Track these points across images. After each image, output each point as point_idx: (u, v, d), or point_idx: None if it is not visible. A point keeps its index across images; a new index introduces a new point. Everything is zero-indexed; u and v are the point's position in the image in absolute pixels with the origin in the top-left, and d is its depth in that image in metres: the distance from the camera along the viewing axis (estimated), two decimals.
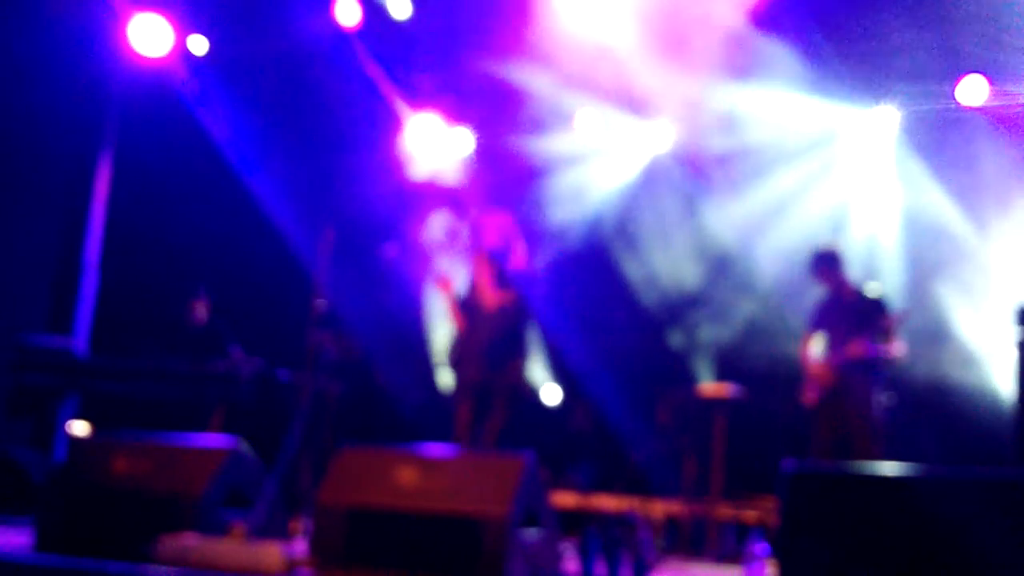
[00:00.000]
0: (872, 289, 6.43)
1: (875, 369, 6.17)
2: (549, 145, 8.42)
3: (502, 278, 5.94)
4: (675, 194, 8.37)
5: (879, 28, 7.10)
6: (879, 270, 7.56)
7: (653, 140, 8.45)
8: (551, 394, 8.72)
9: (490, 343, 5.86)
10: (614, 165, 8.64)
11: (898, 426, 6.42)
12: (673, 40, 7.24)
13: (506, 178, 8.43)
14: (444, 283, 6.02)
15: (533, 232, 6.43)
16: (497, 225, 6.05)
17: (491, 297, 5.91)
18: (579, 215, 8.51)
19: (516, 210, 8.05)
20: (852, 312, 6.27)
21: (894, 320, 6.19)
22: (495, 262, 5.96)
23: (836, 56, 7.27)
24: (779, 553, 3.95)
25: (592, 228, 8.50)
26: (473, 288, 6.01)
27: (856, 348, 6.10)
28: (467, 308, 6.01)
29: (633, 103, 8.06)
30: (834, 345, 6.28)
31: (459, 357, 6.01)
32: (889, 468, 3.91)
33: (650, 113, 8.22)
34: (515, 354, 5.90)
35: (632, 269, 8.38)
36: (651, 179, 8.50)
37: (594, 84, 7.83)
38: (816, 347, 6.44)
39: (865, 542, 3.69)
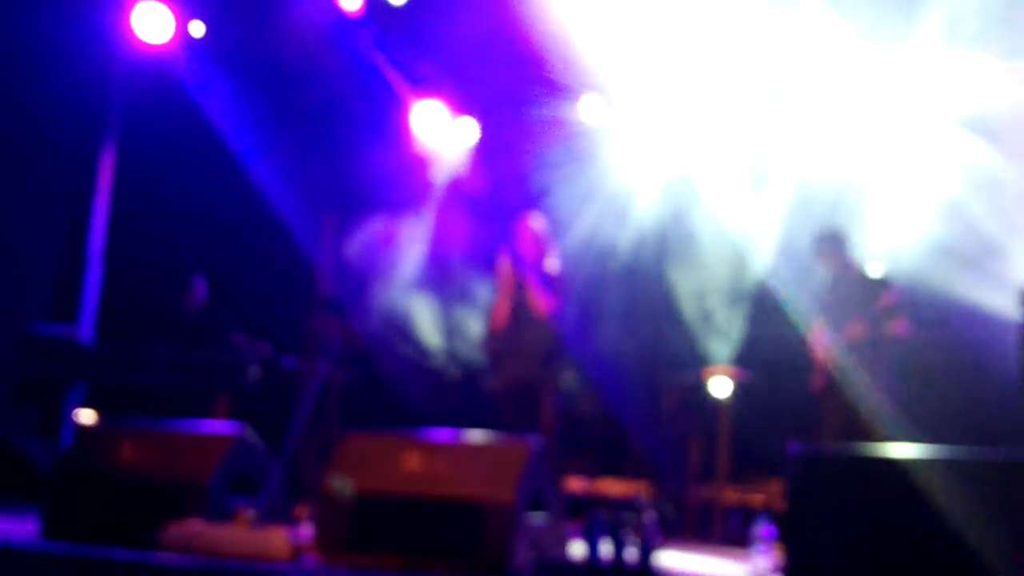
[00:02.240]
0: (875, 269, 6.41)
1: (879, 349, 6.15)
2: (554, 130, 8.40)
3: (547, 284, 6.16)
4: (680, 177, 8.34)
5: None
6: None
7: (658, 123, 8.41)
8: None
9: (541, 345, 6.13)
10: (618, 149, 8.60)
11: (905, 407, 6.41)
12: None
13: (510, 165, 8.41)
14: (507, 281, 6.19)
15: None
16: (533, 231, 6.26)
17: (543, 303, 6.12)
18: (584, 199, 8.49)
19: (518, 196, 8.07)
20: (855, 293, 6.25)
21: (893, 298, 6.16)
22: (538, 268, 6.17)
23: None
24: (786, 536, 3.95)
25: (597, 213, 8.47)
26: (517, 292, 6.17)
27: (853, 329, 6.10)
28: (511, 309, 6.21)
29: (640, 84, 8.02)
30: (838, 327, 6.27)
31: (502, 355, 6.23)
32: (895, 450, 3.90)
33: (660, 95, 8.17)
34: (562, 356, 6.24)
35: (639, 254, 8.36)
36: (657, 162, 8.46)
37: (600, 66, 7.80)
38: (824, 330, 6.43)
39: (872, 525, 3.69)
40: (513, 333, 6.17)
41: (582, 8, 7.51)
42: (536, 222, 6.35)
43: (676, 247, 8.27)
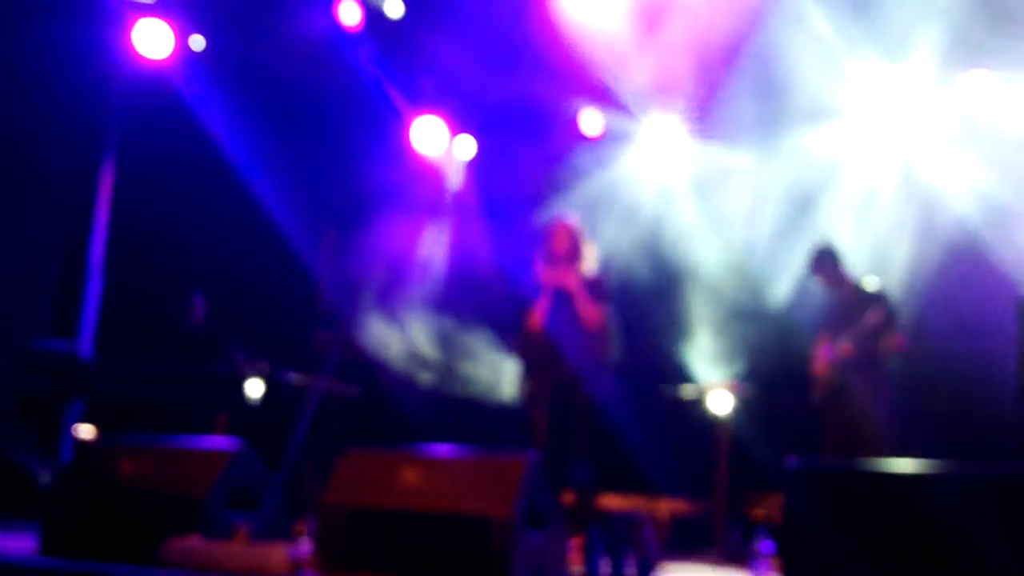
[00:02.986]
0: (870, 283, 6.41)
1: (877, 365, 6.16)
2: (553, 144, 8.43)
3: (590, 289, 5.78)
4: (682, 187, 8.38)
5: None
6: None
7: (658, 135, 8.44)
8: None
9: (582, 354, 5.74)
10: (617, 159, 8.63)
11: (904, 421, 6.41)
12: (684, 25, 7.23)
13: (509, 179, 8.43)
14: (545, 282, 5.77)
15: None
16: (567, 232, 5.85)
17: (593, 314, 5.76)
18: (584, 212, 8.51)
19: (517, 208, 8.08)
20: (851, 308, 6.25)
21: (879, 315, 6.11)
22: (576, 271, 5.76)
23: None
24: (784, 551, 3.95)
25: (596, 226, 8.47)
26: (557, 295, 5.79)
27: (843, 348, 6.10)
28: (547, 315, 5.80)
29: (638, 99, 8.06)
30: (834, 343, 6.27)
31: (538, 361, 5.83)
32: (893, 464, 3.90)
33: (656, 109, 8.21)
34: (605, 368, 5.86)
35: (639, 267, 8.37)
36: (654, 171, 8.50)
37: (598, 81, 7.84)
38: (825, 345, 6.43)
39: (870, 539, 3.69)
40: (551, 339, 5.73)
41: (584, 21, 7.55)
42: (569, 220, 5.94)
43: (677, 260, 8.28)
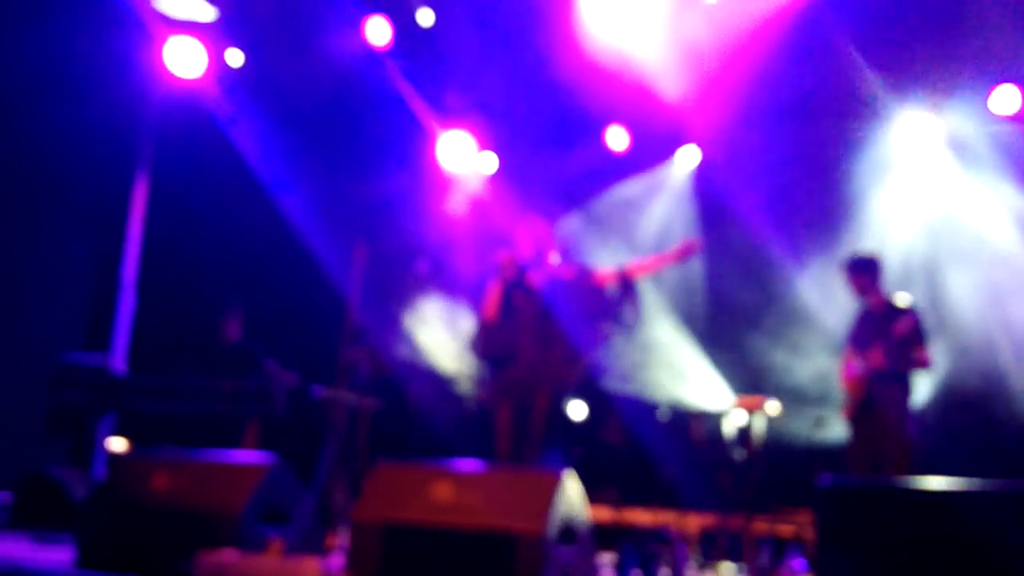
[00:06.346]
0: (901, 299, 6.36)
1: (906, 379, 6.10)
2: (578, 161, 8.46)
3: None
4: (708, 207, 8.39)
5: (912, 35, 7.11)
6: (914, 279, 7.50)
7: (681, 158, 8.48)
8: (577, 410, 8.65)
9: (546, 346, 5.43)
10: (642, 178, 8.66)
11: (935, 438, 6.37)
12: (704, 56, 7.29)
13: (534, 194, 8.46)
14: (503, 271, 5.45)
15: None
16: (532, 233, 5.60)
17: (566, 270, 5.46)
18: (605, 224, 8.54)
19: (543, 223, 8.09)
20: (880, 322, 6.20)
21: (907, 327, 6.05)
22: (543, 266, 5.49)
23: (870, 63, 7.28)
24: (816, 568, 3.93)
25: (618, 238, 8.50)
26: (516, 289, 5.51)
27: (873, 358, 6.03)
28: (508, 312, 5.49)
29: (662, 123, 8.10)
30: (863, 355, 6.22)
31: (498, 358, 5.53)
32: (925, 482, 3.89)
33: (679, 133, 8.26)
34: (572, 360, 5.46)
35: (665, 281, 8.37)
36: (685, 192, 8.52)
37: (624, 102, 7.87)
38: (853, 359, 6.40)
39: (902, 557, 3.67)
40: (512, 336, 5.42)
41: (611, 40, 7.58)
42: (537, 222, 5.65)
43: (702, 280, 8.28)
